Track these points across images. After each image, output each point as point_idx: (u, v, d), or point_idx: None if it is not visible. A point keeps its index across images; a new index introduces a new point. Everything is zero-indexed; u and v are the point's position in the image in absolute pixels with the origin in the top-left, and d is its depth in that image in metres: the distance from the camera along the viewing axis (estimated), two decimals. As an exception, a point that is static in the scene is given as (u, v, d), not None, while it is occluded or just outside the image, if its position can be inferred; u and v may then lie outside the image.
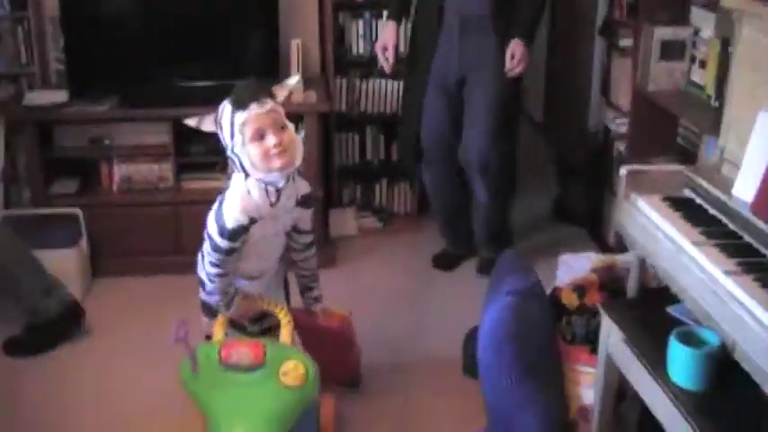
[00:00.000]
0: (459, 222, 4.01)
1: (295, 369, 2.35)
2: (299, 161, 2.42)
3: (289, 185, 2.44)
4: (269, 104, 2.34)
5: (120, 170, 3.90)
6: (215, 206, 2.43)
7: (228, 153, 2.40)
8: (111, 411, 2.95)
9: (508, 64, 3.44)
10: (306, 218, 2.63)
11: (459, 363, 3.16)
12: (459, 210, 3.96)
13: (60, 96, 3.83)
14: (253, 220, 2.38)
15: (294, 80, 2.57)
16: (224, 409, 2.35)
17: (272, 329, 2.68)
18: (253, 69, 3.74)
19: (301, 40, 4.00)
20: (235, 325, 2.62)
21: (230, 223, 2.36)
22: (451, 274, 3.95)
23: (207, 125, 2.44)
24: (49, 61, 4.07)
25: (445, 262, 4.01)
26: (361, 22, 4.17)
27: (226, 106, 2.37)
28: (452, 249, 4.05)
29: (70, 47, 3.82)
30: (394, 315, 3.55)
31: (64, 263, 3.64)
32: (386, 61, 3.66)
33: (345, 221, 4.32)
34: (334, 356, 2.80)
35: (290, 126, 2.41)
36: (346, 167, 4.39)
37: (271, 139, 2.32)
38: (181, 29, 3.85)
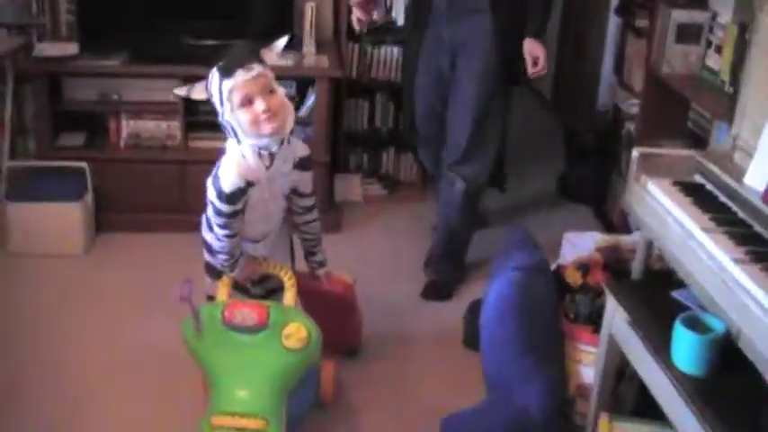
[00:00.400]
0: None
1: (297, 332, 2.38)
2: (290, 125, 2.41)
3: (283, 149, 2.44)
4: (256, 69, 2.32)
5: (128, 126, 3.89)
6: (213, 172, 2.44)
7: (220, 119, 2.40)
8: (108, 365, 2.97)
9: (531, 69, 3.26)
10: (305, 180, 2.62)
11: (459, 334, 3.18)
12: None
13: (71, 49, 3.81)
14: (250, 183, 2.39)
15: (283, 42, 2.52)
16: (226, 368, 2.39)
17: (274, 291, 2.69)
18: (266, 30, 3.71)
19: (315, 3, 3.97)
20: (237, 287, 2.64)
21: (227, 187, 2.36)
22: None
23: (197, 93, 2.43)
24: (59, 12, 4.04)
25: None
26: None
27: (214, 74, 2.35)
28: None
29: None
30: (397, 283, 3.57)
31: (68, 216, 3.66)
32: (357, 20, 3.41)
33: (351, 187, 4.32)
34: (336, 321, 2.81)
35: (280, 90, 2.40)
36: (354, 133, 4.38)
37: (259, 105, 2.31)
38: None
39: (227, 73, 2.31)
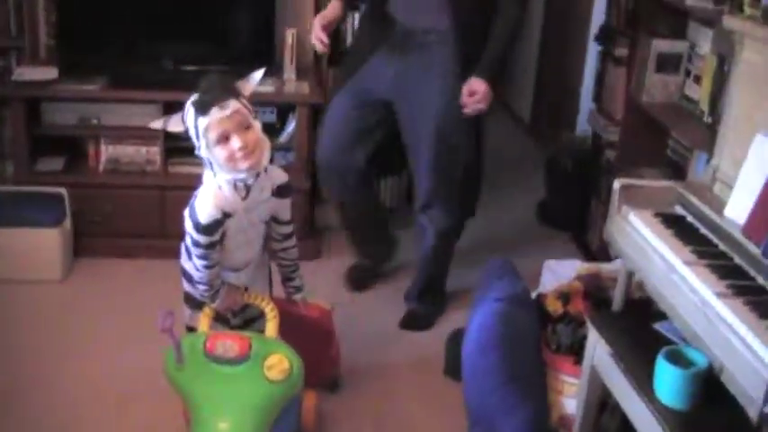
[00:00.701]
0: (374, 234, 3.77)
1: (280, 363, 2.37)
2: (266, 160, 2.40)
3: (260, 179, 2.43)
4: (231, 107, 2.29)
5: (107, 151, 3.86)
6: (189, 203, 2.42)
7: (197, 152, 2.38)
8: (87, 393, 2.94)
9: (465, 99, 3.05)
10: (284, 207, 2.61)
11: (440, 362, 3.17)
12: (372, 221, 3.70)
13: (50, 73, 3.79)
14: (226, 215, 2.37)
15: (259, 75, 2.46)
16: (207, 400, 2.36)
17: (253, 320, 2.68)
18: (247, 57, 3.73)
19: (296, 29, 3.97)
20: (218, 317, 2.61)
21: (204, 219, 2.35)
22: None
23: (173, 126, 2.41)
24: (39, 36, 4.02)
25: (358, 278, 3.78)
26: (356, 15, 4.14)
27: (189, 108, 2.33)
28: (367, 263, 3.80)
29: (62, 22, 3.78)
30: (377, 310, 3.56)
31: (47, 242, 3.62)
32: (318, 41, 3.18)
33: (332, 213, 4.30)
34: (313, 348, 2.79)
35: (257, 125, 2.37)
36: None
37: (235, 143, 2.29)
38: (176, 11, 3.82)
39: (201, 110, 2.28)
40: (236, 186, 2.39)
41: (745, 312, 1.85)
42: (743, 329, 1.80)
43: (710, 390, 1.95)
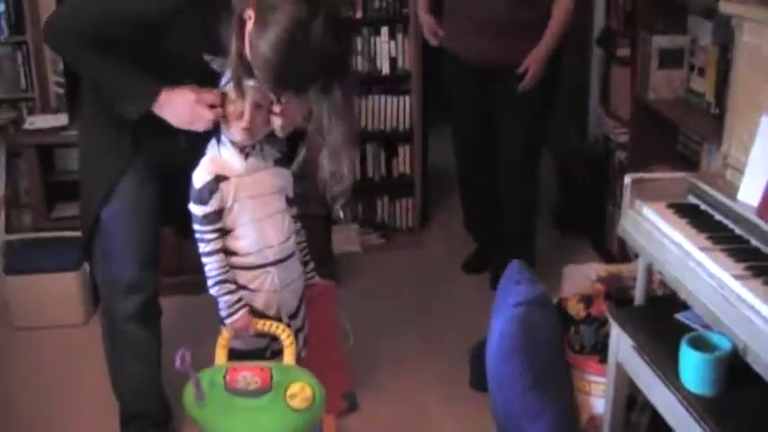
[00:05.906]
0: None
1: (302, 391, 2.35)
2: (258, 138, 2.46)
3: (257, 146, 2.48)
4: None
5: (121, 192, 3.88)
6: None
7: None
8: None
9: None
10: (289, 182, 2.64)
11: (465, 376, 3.15)
12: None
13: (60, 120, 3.84)
14: (220, 178, 2.41)
15: None
16: (231, 435, 2.34)
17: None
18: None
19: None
20: (251, 355, 2.56)
21: (198, 183, 2.40)
22: (455, 288, 3.94)
23: (218, 65, 2.43)
24: (48, 85, 4.08)
25: None
26: (359, 39, 4.18)
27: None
28: None
29: (69, 70, 3.82)
30: (399, 330, 3.54)
31: (66, 287, 3.65)
32: (432, 34, 3.70)
33: (348, 238, 4.31)
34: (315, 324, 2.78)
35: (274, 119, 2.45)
36: (347, 184, 4.38)
37: (251, 115, 2.37)
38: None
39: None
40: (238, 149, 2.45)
41: (764, 292, 1.83)
42: (764, 308, 1.78)
43: (736, 373, 1.93)
